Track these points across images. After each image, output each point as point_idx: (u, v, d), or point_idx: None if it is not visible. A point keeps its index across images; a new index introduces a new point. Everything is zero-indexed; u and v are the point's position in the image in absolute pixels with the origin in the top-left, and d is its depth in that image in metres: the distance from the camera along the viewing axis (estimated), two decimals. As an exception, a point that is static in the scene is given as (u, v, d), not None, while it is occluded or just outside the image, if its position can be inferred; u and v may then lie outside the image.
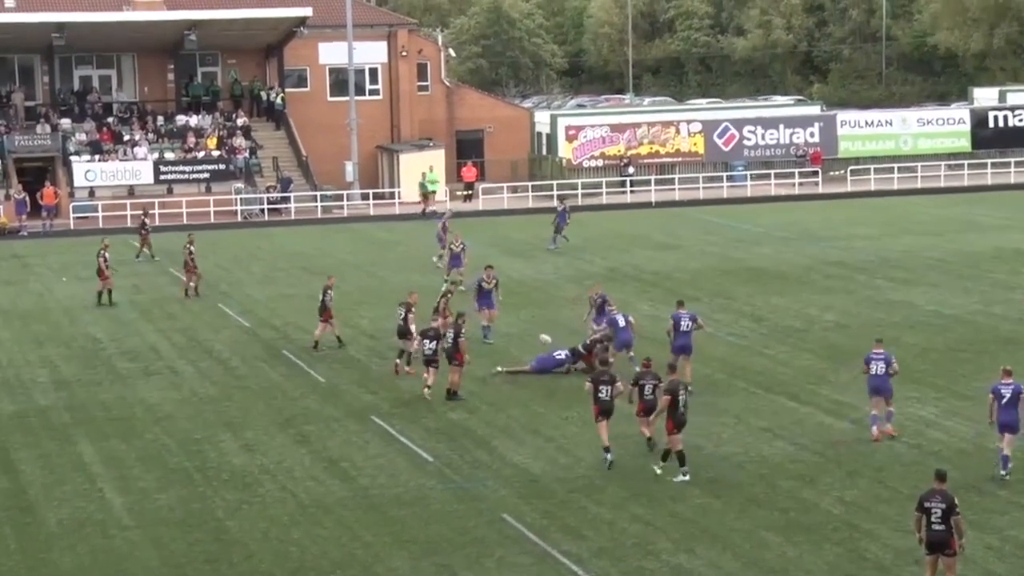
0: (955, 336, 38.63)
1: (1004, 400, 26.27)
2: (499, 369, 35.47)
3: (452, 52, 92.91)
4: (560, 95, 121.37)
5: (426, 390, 32.92)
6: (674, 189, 73.19)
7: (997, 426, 26.46)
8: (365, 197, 71.96)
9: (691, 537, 23.97)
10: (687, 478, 26.66)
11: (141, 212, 58.85)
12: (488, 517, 25.26)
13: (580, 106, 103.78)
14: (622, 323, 34.59)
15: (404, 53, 77.27)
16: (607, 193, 72.73)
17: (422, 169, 71.68)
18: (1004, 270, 48.91)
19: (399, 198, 71.76)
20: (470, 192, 73.57)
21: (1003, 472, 26.33)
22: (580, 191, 72.35)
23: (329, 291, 39.11)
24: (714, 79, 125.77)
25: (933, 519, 20.38)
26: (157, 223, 63.80)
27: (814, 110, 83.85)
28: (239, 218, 68.38)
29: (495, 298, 39.83)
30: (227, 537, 24.59)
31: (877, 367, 28.86)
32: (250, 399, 34.14)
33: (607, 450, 27.77)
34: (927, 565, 20.64)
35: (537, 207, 69.62)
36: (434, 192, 70.77)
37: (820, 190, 73.77)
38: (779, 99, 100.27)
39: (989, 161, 76.65)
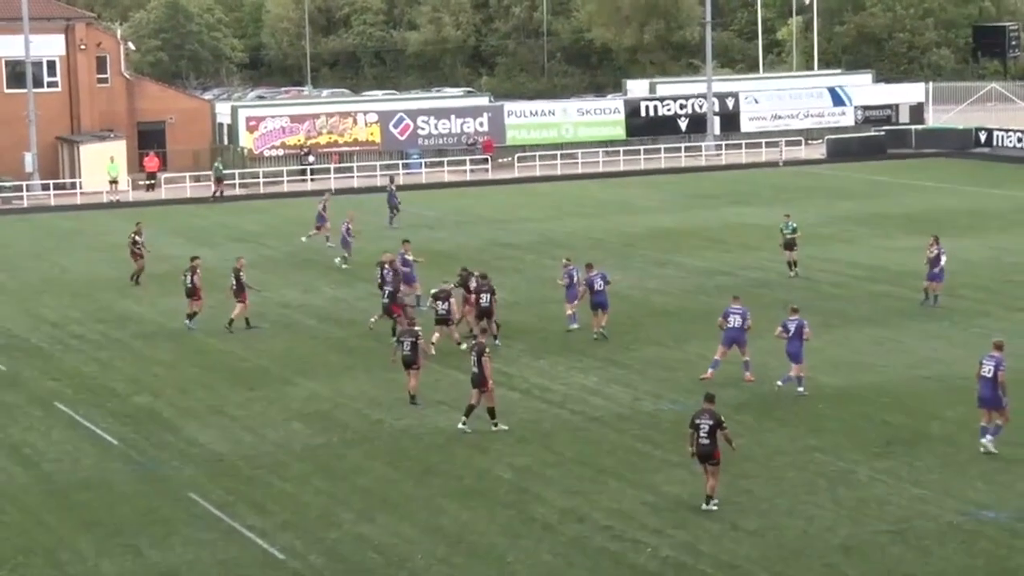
0: (613, 310, 39.41)
1: (790, 333, 29.74)
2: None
3: (132, 45, 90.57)
4: (240, 87, 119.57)
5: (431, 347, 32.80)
6: (352, 176, 73.02)
7: (787, 355, 29.85)
8: (46, 187, 69.47)
9: (372, 507, 23.95)
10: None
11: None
12: (174, 496, 24.68)
13: (260, 98, 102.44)
14: (599, 285, 35.65)
15: (83, 46, 74.75)
16: (288, 181, 72.05)
17: (103, 160, 69.92)
18: (656, 248, 50.47)
19: (80, 188, 69.61)
20: (152, 181, 71.82)
21: (799, 388, 29.78)
22: (262, 179, 71.54)
23: (240, 272, 37.99)
24: (388, 72, 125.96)
25: (701, 434, 22.76)
26: None
27: (483, 101, 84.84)
28: (-84, 210, 64.80)
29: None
30: (-94, 529, 23.31)
31: (734, 320, 30.94)
32: (-71, 390, 32.43)
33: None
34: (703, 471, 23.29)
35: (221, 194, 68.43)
36: (116, 180, 69.45)
37: (490, 176, 74.80)
38: (450, 91, 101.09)
39: (642, 147, 79.03)
